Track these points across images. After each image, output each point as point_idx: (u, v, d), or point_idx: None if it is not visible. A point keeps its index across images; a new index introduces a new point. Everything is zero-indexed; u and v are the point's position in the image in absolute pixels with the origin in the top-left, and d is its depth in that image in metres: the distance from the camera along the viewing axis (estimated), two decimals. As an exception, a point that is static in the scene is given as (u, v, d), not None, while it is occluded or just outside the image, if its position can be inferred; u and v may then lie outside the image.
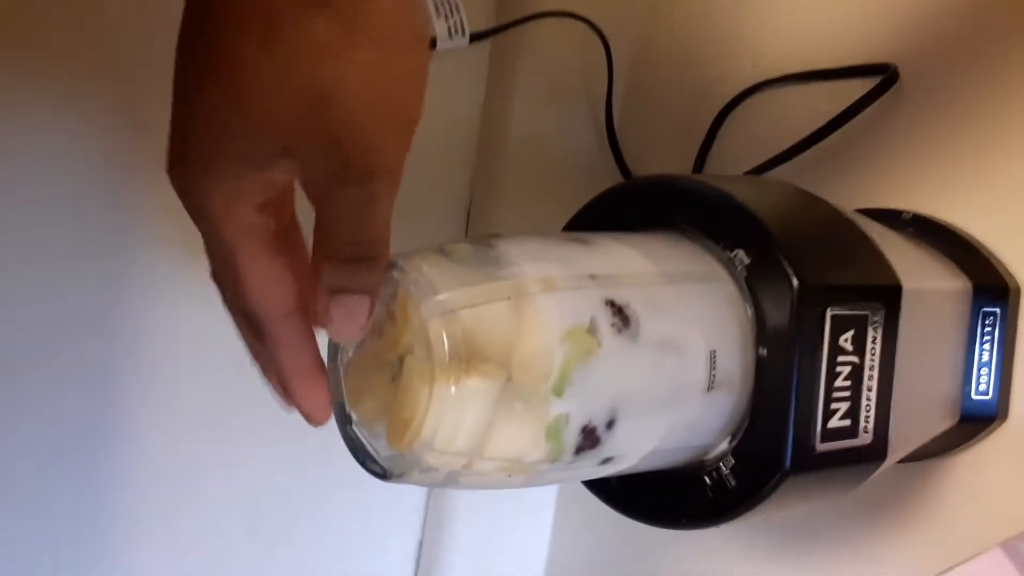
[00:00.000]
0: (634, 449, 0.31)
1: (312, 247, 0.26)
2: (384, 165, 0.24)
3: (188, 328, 0.47)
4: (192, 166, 0.24)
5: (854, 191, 0.45)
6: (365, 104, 0.24)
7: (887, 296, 0.32)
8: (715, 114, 0.51)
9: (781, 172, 0.46)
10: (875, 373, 0.32)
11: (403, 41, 0.24)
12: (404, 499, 0.56)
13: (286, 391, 0.28)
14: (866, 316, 0.31)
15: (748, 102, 0.50)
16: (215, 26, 0.23)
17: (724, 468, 0.32)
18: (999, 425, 0.39)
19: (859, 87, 0.44)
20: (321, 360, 0.28)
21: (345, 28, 0.23)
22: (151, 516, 0.47)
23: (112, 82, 0.44)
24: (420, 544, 0.57)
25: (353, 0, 0.23)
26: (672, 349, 0.30)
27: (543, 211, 0.55)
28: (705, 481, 0.32)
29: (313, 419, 0.29)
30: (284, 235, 0.27)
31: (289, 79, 0.23)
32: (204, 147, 0.24)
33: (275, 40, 0.23)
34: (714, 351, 0.30)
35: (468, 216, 0.55)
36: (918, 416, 0.36)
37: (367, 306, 0.27)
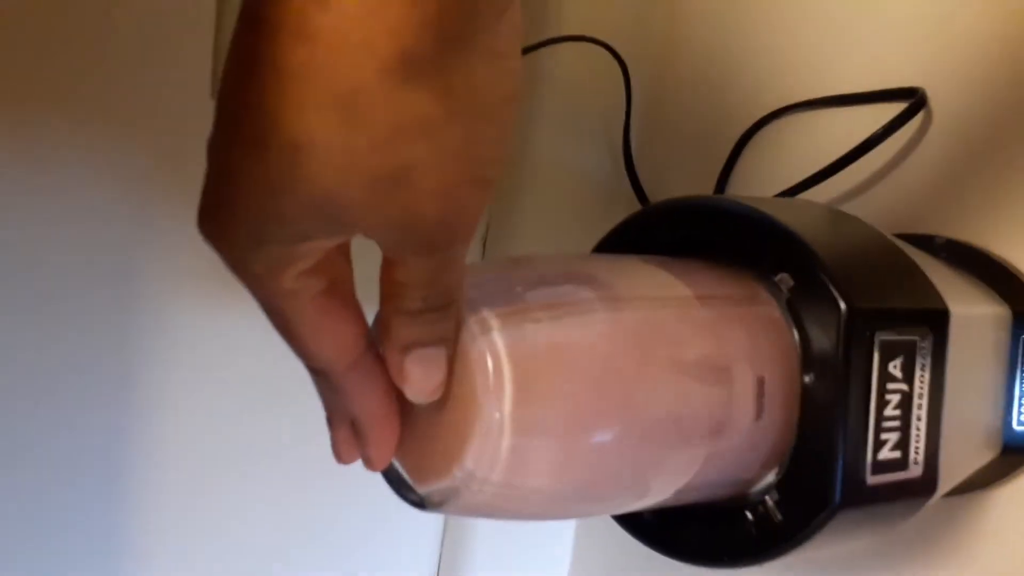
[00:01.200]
0: (675, 480, 0.29)
1: (379, 298, 0.24)
2: (466, 233, 0.22)
3: (210, 333, 0.46)
4: (228, 226, 0.21)
5: (883, 217, 0.44)
6: (449, 178, 0.20)
7: (935, 321, 0.31)
8: (735, 140, 0.50)
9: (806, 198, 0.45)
10: (924, 402, 0.30)
11: (497, 104, 0.21)
12: (422, 519, 0.55)
13: (359, 434, 0.26)
14: (915, 342, 0.30)
15: (769, 128, 0.49)
16: (274, 103, 0.19)
17: (769, 502, 0.30)
18: (1040, 457, 0.38)
19: (885, 112, 0.43)
20: (394, 400, 0.25)
21: (444, 103, 0.19)
22: (167, 524, 0.47)
23: (135, 98, 0.44)
24: (439, 567, 0.56)
25: (452, 70, 0.19)
26: (720, 376, 0.28)
27: (561, 236, 0.54)
28: (747, 516, 0.31)
29: (374, 464, 0.26)
30: (337, 279, 0.23)
31: (369, 162, 0.19)
32: (248, 219, 0.20)
33: (359, 122, 0.19)
34: (762, 378, 0.29)
35: (484, 242, 0.54)
36: (964, 448, 0.34)
37: (445, 358, 0.24)
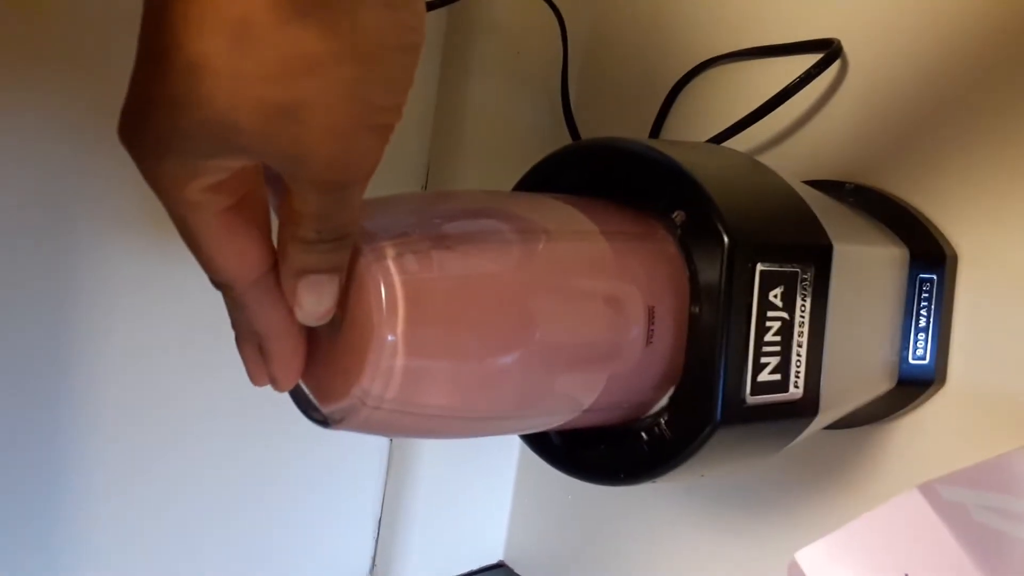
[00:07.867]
0: (575, 402, 0.31)
1: (277, 224, 0.25)
2: (358, 175, 0.23)
3: (142, 300, 0.47)
4: (138, 136, 0.23)
5: (801, 163, 0.46)
6: (341, 118, 0.22)
7: (817, 255, 0.33)
8: (668, 89, 0.51)
9: (732, 145, 0.47)
10: (805, 329, 0.32)
11: (388, 53, 0.22)
12: (364, 469, 0.56)
13: (263, 352, 0.27)
14: (796, 273, 0.32)
15: (700, 77, 0.51)
16: (178, 24, 0.21)
17: (662, 423, 0.32)
18: (937, 390, 0.40)
19: (805, 63, 0.45)
20: (297, 322, 0.27)
21: (329, 43, 0.21)
22: (105, 475, 0.47)
23: (61, 64, 0.44)
24: (378, 530, 0.58)
25: (339, 12, 0.21)
26: (614, 305, 0.30)
27: (499, 182, 0.55)
28: (643, 436, 0.33)
29: (279, 383, 0.28)
30: (246, 199, 0.25)
31: (259, 91, 0.21)
32: (155, 130, 0.22)
33: (249, 49, 0.21)
34: (652, 307, 0.31)
35: (425, 187, 0.55)
36: (853, 375, 0.37)
37: (336, 286, 0.26)
